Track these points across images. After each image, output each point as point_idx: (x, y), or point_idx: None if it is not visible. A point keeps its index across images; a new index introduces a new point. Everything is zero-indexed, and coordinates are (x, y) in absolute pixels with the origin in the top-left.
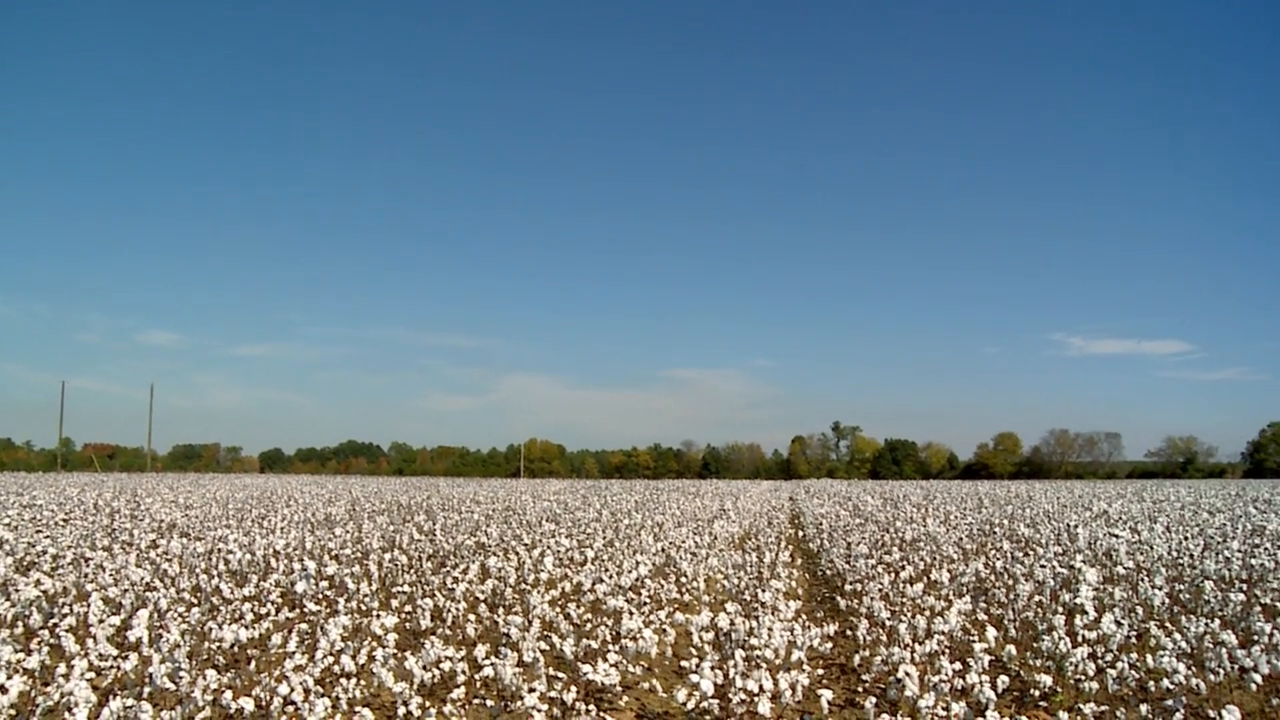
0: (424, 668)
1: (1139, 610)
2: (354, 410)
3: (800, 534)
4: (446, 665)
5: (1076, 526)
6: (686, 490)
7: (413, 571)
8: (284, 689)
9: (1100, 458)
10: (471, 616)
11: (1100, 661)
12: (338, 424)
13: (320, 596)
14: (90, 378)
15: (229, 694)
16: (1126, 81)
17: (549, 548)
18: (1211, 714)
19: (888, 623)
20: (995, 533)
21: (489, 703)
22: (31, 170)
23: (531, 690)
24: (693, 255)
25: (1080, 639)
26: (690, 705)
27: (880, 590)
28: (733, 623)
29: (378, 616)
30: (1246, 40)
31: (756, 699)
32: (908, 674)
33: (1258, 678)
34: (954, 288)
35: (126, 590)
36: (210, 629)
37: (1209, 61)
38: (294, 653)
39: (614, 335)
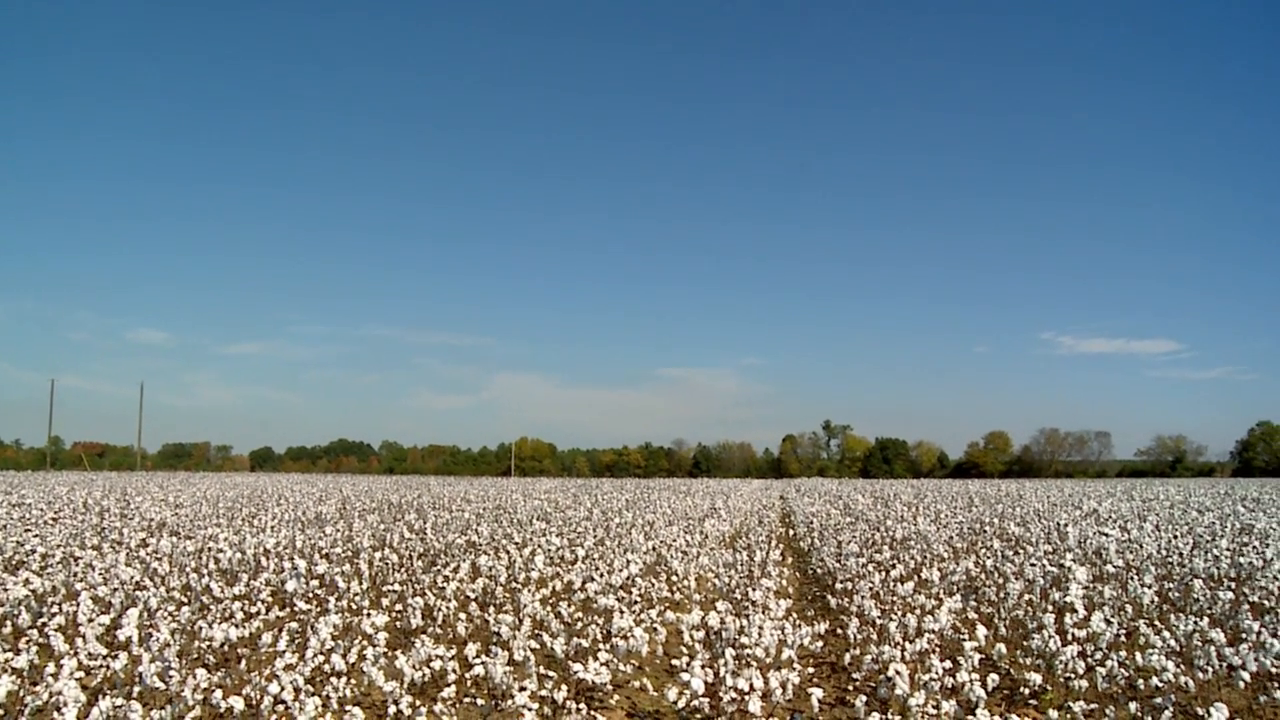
0: (414, 666)
1: (1128, 608)
2: (344, 409)
3: (791, 533)
4: (437, 664)
5: (1066, 525)
6: (677, 489)
7: (403, 570)
8: (274, 688)
9: (1090, 456)
10: (462, 615)
11: (1090, 660)
12: (328, 422)
13: (311, 595)
14: (80, 376)
15: (219, 693)
16: (1116, 82)
17: (540, 546)
18: (1200, 711)
19: (878, 621)
20: (985, 531)
21: (480, 701)
22: (22, 169)
23: (522, 689)
24: (684, 254)
25: (1070, 637)
26: (681, 704)
27: (871, 589)
28: (723, 621)
29: (368, 615)
30: (1236, 41)
31: (747, 697)
32: (898, 672)
33: (1246, 675)
34: (945, 287)
35: (116, 589)
36: (200, 628)
37: (1197, 62)
38: (284, 652)
39: (605, 334)
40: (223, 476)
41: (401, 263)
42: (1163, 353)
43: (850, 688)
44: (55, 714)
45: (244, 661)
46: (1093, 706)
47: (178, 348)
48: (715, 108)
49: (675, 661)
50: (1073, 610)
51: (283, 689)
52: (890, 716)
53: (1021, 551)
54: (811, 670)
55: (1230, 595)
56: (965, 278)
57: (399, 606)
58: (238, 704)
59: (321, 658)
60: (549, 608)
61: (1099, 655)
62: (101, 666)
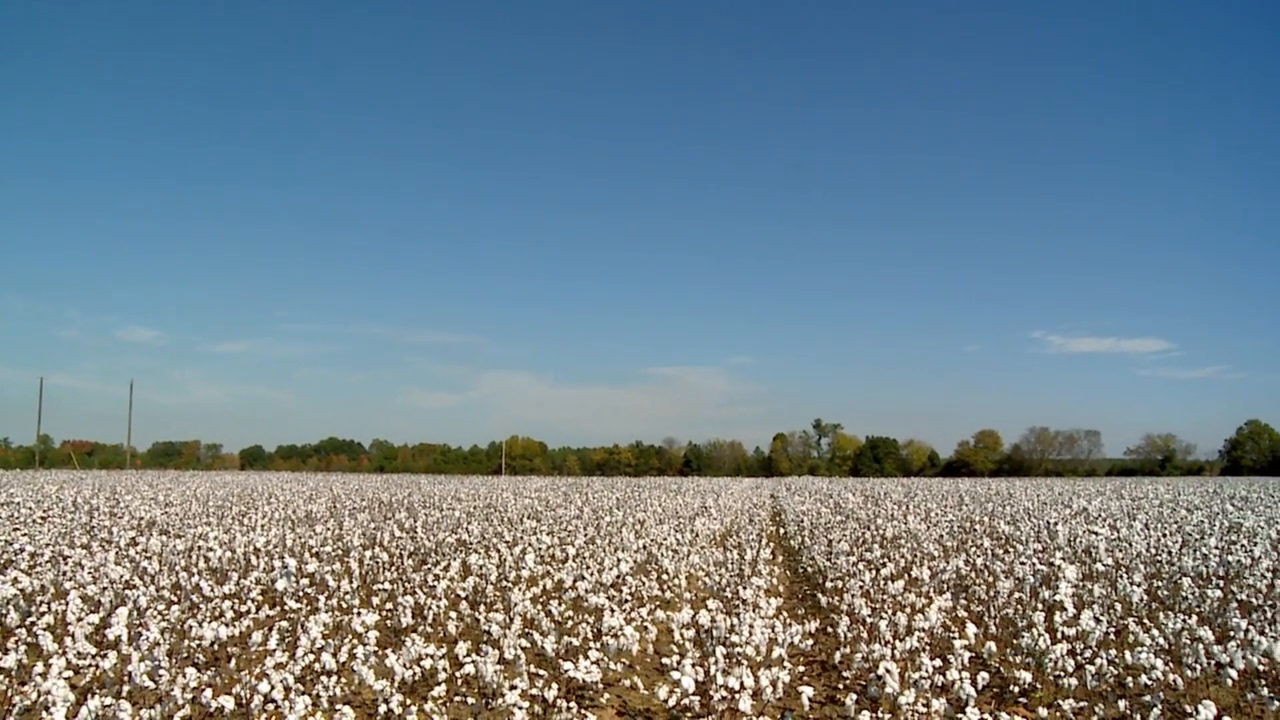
0: (405, 665)
1: (1118, 607)
2: (335, 407)
3: (781, 531)
4: (428, 663)
5: (1056, 524)
6: (668, 487)
7: (394, 569)
8: (264, 687)
9: (1080, 455)
10: (453, 614)
11: (1079, 658)
12: (318, 421)
13: (301, 594)
14: (69, 374)
15: (209, 692)
16: (1107, 81)
17: (530, 545)
18: (1188, 709)
19: (868, 620)
20: (976, 530)
21: (470, 700)
22: (11, 167)
23: (513, 688)
24: (676, 253)
25: (1059, 635)
26: (671, 702)
27: (861, 587)
28: (714, 620)
29: (359, 614)
30: (1232, 41)
31: (737, 696)
32: (888, 671)
33: (1233, 673)
34: (935, 286)
35: (105, 588)
36: (190, 627)
37: (1189, 62)
38: (274, 650)
39: (596, 333)
40: (213, 475)
41: (392, 261)
42: (1152, 352)
43: (841, 686)
44: (44, 713)
45: (234, 660)
46: (1082, 704)
47: (167, 346)
48: (708, 107)
49: (666, 660)
50: (1062, 608)
51: (273, 688)
52: (880, 715)
53: (1011, 550)
54: (802, 668)
55: (1218, 593)
56: (956, 277)
57: (389, 605)
58: (228, 703)
59: (312, 656)
60: (540, 606)
61: (1088, 653)
62: (91, 666)
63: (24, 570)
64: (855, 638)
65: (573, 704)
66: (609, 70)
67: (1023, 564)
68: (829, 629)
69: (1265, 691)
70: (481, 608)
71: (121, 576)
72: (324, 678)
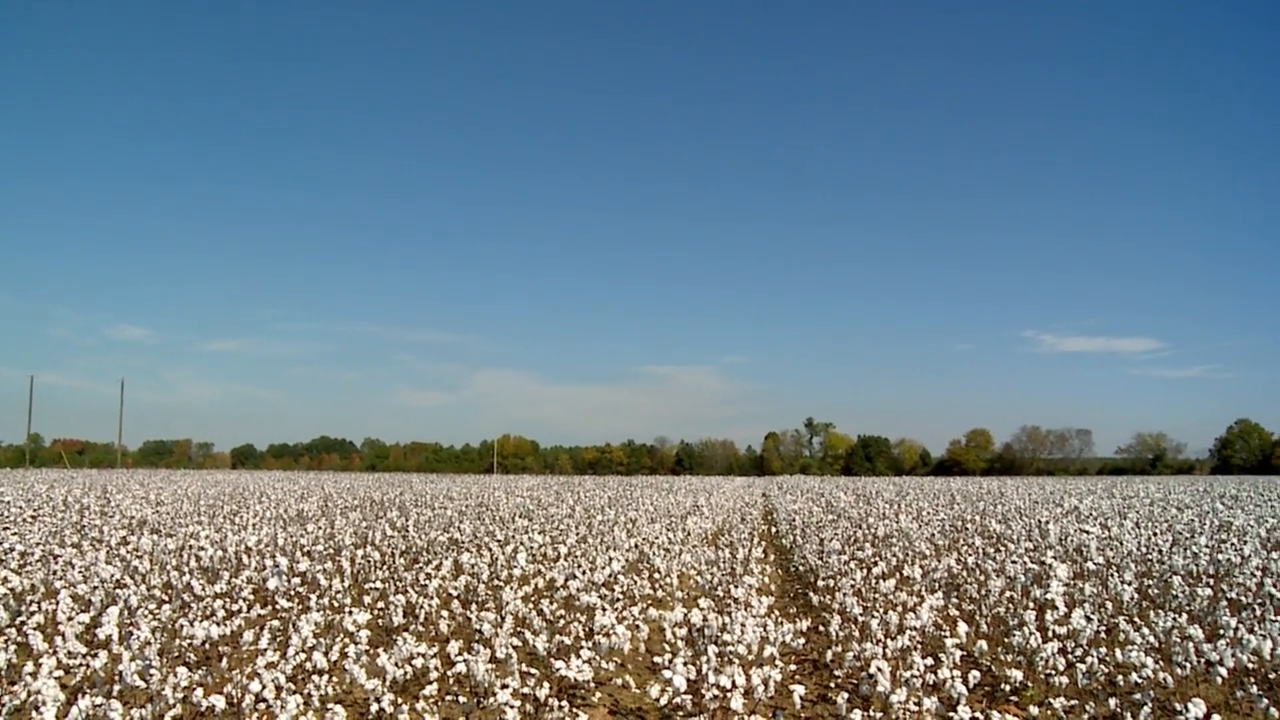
0: (396, 664)
1: (1108, 605)
2: (326, 406)
3: (773, 530)
4: (419, 662)
5: (1047, 523)
6: (660, 486)
7: (385, 568)
8: (256, 686)
9: (1071, 454)
10: (444, 613)
11: (1070, 656)
12: (310, 420)
13: (292, 593)
14: (60, 373)
15: (200, 691)
16: (1099, 81)
17: (522, 544)
18: (1178, 707)
19: (860, 618)
20: (967, 529)
21: (462, 699)
22: (1, 166)
23: (504, 687)
24: (668, 252)
25: (1051, 634)
26: (663, 701)
27: (853, 586)
28: (706, 619)
29: (350, 613)
30: (1224, 40)
31: (729, 694)
32: (880, 669)
33: (1223, 671)
34: (927, 285)
35: (96, 587)
36: (181, 626)
37: (1180, 61)
38: (266, 650)
39: (588, 331)
40: (204, 474)
41: (383, 259)
42: (1143, 351)
43: (832, 685)
44: (34, 713)
45: (225, 659)
46: (1073, 703)
47: (158, 344)
48: (698, 106)
49: (657, 659)
50: (1053, 607)
51: (264, 687)
52: (872, 713)
53: (1003, 549)
54: (794, 667)
55: (1209, 592)
56: (948, 276)
57: (381, 604)
58: (219, 702)
59: (303, 655)
60: (531, 605)
61: (1079, 652)
62: (81, 665)
63: (14, 569)
64: (847, 636)
65: (564, 703)
66: (603, 70)
67: (1014, 563)
68: (821, 628)
69: (1254, 689)
70: (473, 606)
71: (112, 576)
72: (315, 677)
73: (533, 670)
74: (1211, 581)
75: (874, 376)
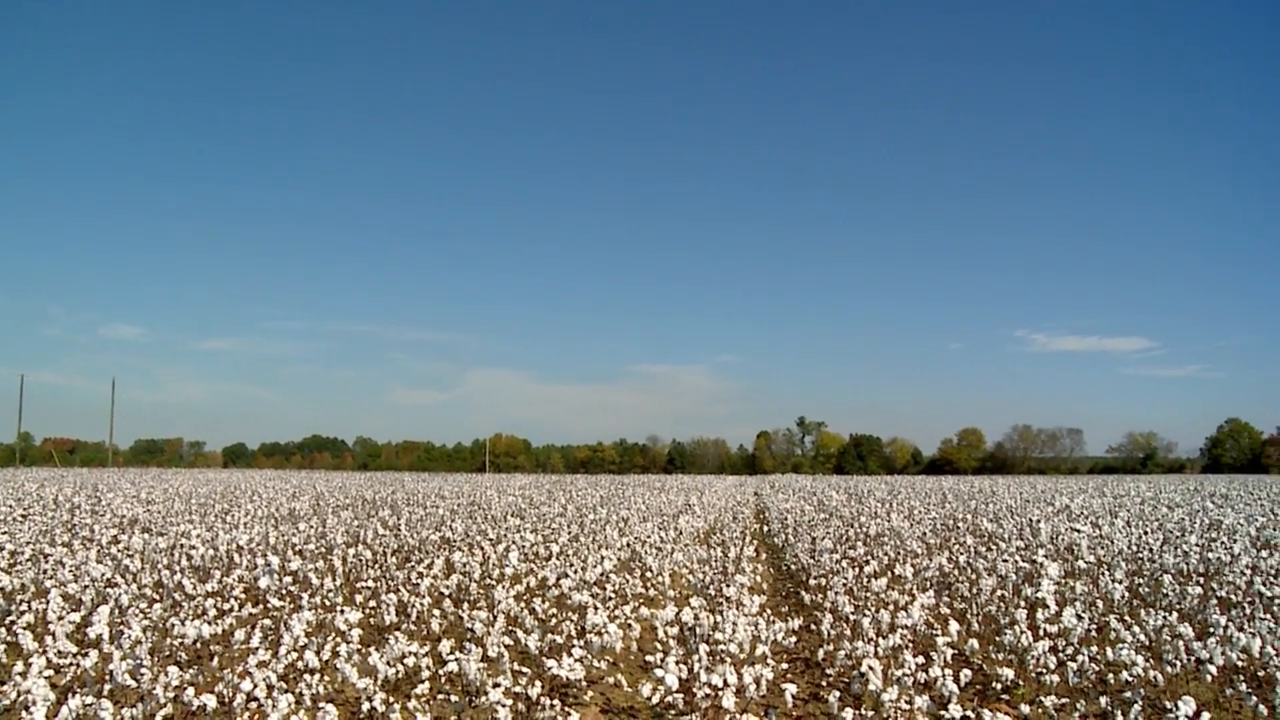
0: (388, 663)
1: (1099, 604)
2: (318, 404)
3: (765, 529)
4: (411, 660)
5: (1039, 521)
6: (652, 485)
7: (377, 567)
8: (247, 685)
9: (1062, 453)
10: (436, 612)
11: (1061, 655)
12: (302, 418)
13: (284, 592)
14: (51, 371)
15: (191, 690)
16: (1090, 80)
17: (514, 543)
18: (1168, 705)
19: (851, 617)
20: (959, 528)
21: (453, 698)
22: None
23: (496, 685)
24: (660, 251)
25: (1041, 633)
26: (655, 699)
27: (844, 585)
28: (697, 617)
29: (342, 612)
30: (1219, 39)
31: (721, 693)
32: (871, 668)
33: (1213, 669)
34: (919, 285)
35: (87, 586)
36: (172, 625)
37: (1172, 58)
38: (257, 649)
39: (580, 330)
40: (196, 472)
41: (377, 258)
42: (1134, 350)
43: (824, 683)
44: (24, 713)
45: (216, 659)
46: (1064, 701)
47: (150, 343)
48: (690, 105)
49: (649, 657)
50: (1044, 606)
51: (256, 686)
52: (864, 712)
53: (994, 547)
54: (785, 666)
55: (1199, 590)
56: (939, 276)
57: (373, 603)
58: (210, 701)
59: (295, 654)
60: (523, 604)
61: (1070, 650)
62: (71, 665)
63: (4, 569)
64: (838, 635)
65: (556, 702)
66: (595, 68)
67: (1005, 561)
68: (812, 626)
69: (1244, 687)
70: (465, 605)
71: (103, 575)
72: (307, 676)
73: (525, 669)
74: (1202, 580)
75: (866, 376)
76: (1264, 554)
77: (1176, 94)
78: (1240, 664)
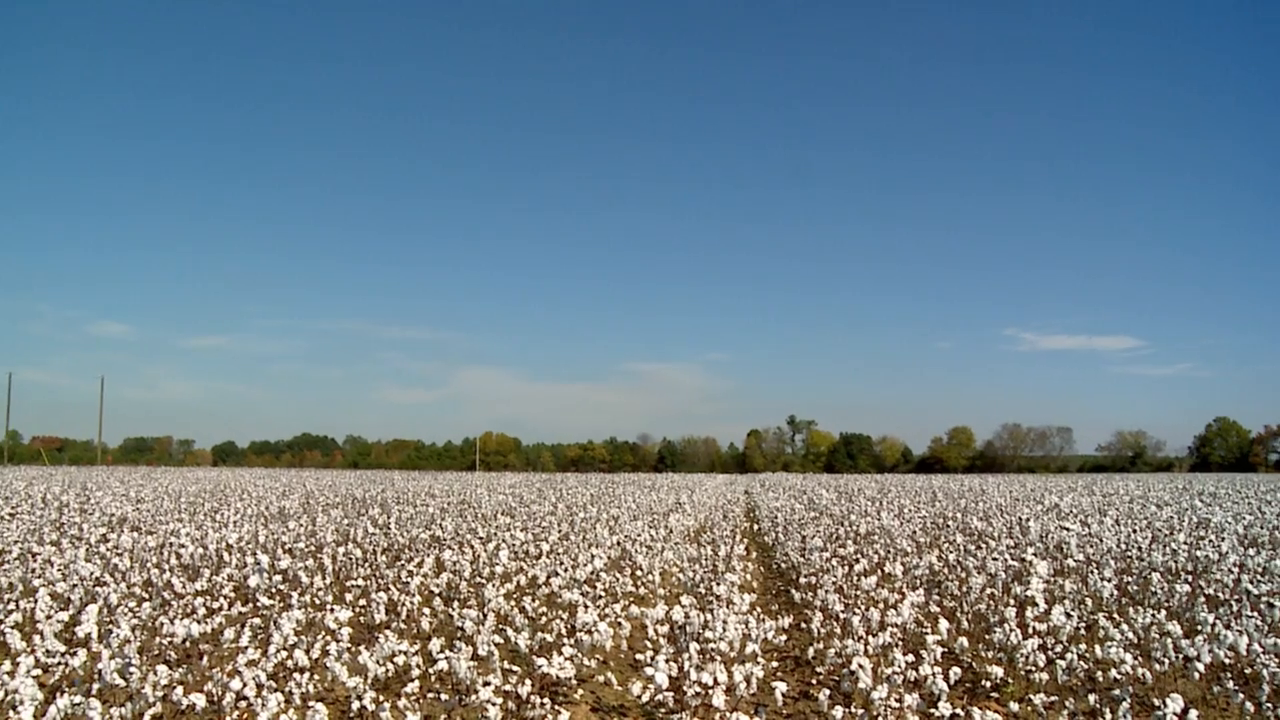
0: (378, 662)
1: (1088, 602)
2: (308, 403)
3: (755, 527)
4: (401, 659)
5: (1028, 520)
6: (642, 484)
7: (367, 565)
8: (236, 684)
9: (1052, 451)
10: (426, 610)
11: (1050, 653)
12: (292, 417)
13: (273, 591)
14: (39, 369)
15: (180, 690)
16: (1083, 79)
17: (504, 541)
18: (1156, 702)
19: (842, 615)
20: (948, 526)
21: (443, 696)
22: None
23: (486, 684)
24: (650, 250)
25: (1031, 630)
26: (645, 698)
27: (834, 583)
28: (688, 616)
29: (331, 611)
30: (1214, 38)
31: (711, 691)
32: (861, 666)
33: (1200, 666)
34: (908, 283)
35: (75, 585)
36: (161, 624)
37: (1165, 58)
38: (247, 647)
39: (570, 329)
40: (185, 471)
41: (365, 256)
42: (1123, 349)
43: (814, 681)
44: (11, 712)
45: (206, 657)
46: (1053, 699)
47: (139, 341)
48: (682, 104)
49: (640, 656)
50: (1034, 604)
51: (245, 685)
52: (853, 710)
53: (984, 546)
54: (775, 664)
55: (1187, 588)
56: (929, 274)
57: (362, 602)
58: (199, 700)
59: (284, 653)
60: (513, 602)
61: (1059, 648)
62: (60, 664)
63: None
64: (828, 633)
65: (546, 700)
66: (587, 67)
67: (995, 560)
68: (802, 625)
69: (1231, 685)
70: (455, 604)
71: (92, 573)
72: (297, 674)
73: (515, 668)
74: (1190, 578)
75: (856, 374)
76: (1251, 552)
77: (1165, 93)
78: (1228, 661)
